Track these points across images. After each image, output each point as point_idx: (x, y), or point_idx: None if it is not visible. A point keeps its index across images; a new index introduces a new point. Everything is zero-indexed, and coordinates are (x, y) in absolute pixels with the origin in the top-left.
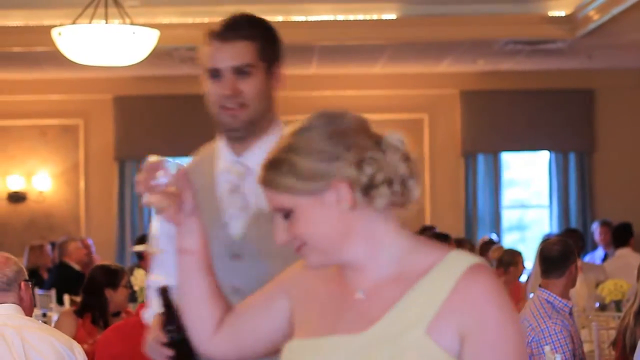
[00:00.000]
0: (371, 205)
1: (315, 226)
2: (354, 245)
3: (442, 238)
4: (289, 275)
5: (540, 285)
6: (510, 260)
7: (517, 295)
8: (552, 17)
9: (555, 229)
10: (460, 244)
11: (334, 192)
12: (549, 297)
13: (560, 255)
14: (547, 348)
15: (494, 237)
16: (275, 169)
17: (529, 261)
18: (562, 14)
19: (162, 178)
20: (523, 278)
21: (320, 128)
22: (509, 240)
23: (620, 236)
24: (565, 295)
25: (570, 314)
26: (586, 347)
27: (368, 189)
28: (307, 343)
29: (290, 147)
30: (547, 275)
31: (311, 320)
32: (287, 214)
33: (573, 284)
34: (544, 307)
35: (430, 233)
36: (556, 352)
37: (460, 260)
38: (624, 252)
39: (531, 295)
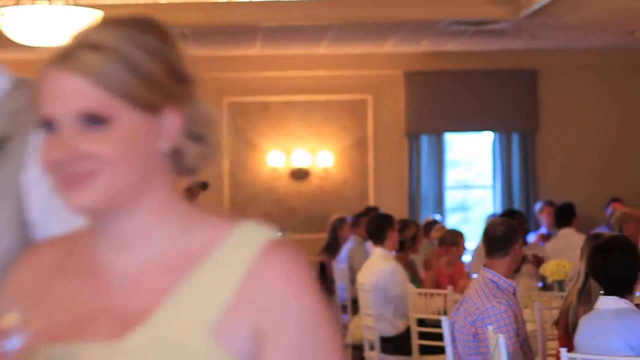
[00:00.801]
0: (172, 161)
1: (128, 152)
2: (143, 201)
3: (386, 219)
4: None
5: (484, 265)
6: (452, 240)
7: (459, 274)
8: None
9: (498, 210)
10: (405, 224)
11: (165, 120)
12: (494, 277)
13: (504, 235)
14: (490, 328)
15: (437, 217)
16: (110, 57)
17: (472, 241)
18: None
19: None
20: (466, 258)
21: (159, 32)
22: (452, 221)
23: (562, 216)
24: (509, 275)
25: (514, 293)
26: (529, 327)
27: (191, 137)
28: (46, 353)
29: (130, 39)
30: (492, 255)
31: (50, 323)
32: (96, 121)
33: (517, 264)
34: (488, 286)
35: (374, 213)
36: (500, 331)
37: (253, 236)
38: (567, 232)
39: (475, 275)
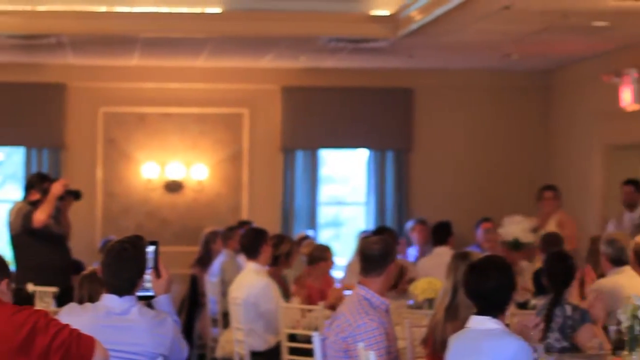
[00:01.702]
0: None
1: None
2: None
3: (261, 234)
4: None
5: (359, 282)
6: (319, 256)
7: (327, 289)
8: (375, 16)
9: (371, 226)
10: (281, 240)
11: None
12: (367, 294)
13: (380, 254)
14: (360, 345)
15: (310, 232)
16: None
17: (344, 257)
18: (385, 13)
19: None
20: (338, 274)
21: None
22: (324, 236)
23: (439, 234)
24: (383, 293)
25: (387, 311)
26: (399, 344)
27: None
28: None
29: None
30: (367, 273)
31: None
32: None
33: (391, 283)
34: (361, 303)
35: (249, 228)
36: (371, 348)
37: None
38: (442, 251)
39: (346, 292)
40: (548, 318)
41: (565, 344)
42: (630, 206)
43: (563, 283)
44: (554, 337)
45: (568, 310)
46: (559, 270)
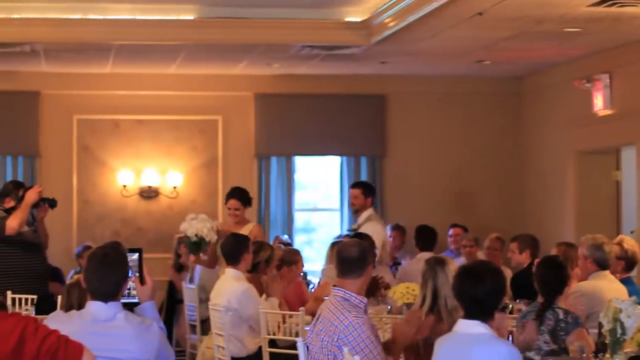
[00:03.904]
0: None
1: None
2: None
3: (242, 241)
4: None
5: (335, 285)
6: (291, 260)
7: (299, 291)
8: (348, 22)
9: (345, 232)
10: (260, 247)
11: None
12: (345, 294)
13: (358, 256)
14: (345, 350)
15: (285, 238)
16: None
17: (316, 263)
18: (358, 19)
19: None
20: (315, 280)
21: None
22: (299, 242)
23: (425, 239)
24: (361, 293)
25: (365, 311)
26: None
27: None
28: None
29: None
30: (345, 275)
31: None
32: None
33: (367, 284)
34: (342, 304)
35: (230, 235)
36: (364, 343)
37: None
38: (426, 256)
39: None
40: (538, 321)
41: (554, 346)
42: (357, 211)
43: (556, 290)
44: (543, 339)
45: (560, 314)
46: (553, 278)
